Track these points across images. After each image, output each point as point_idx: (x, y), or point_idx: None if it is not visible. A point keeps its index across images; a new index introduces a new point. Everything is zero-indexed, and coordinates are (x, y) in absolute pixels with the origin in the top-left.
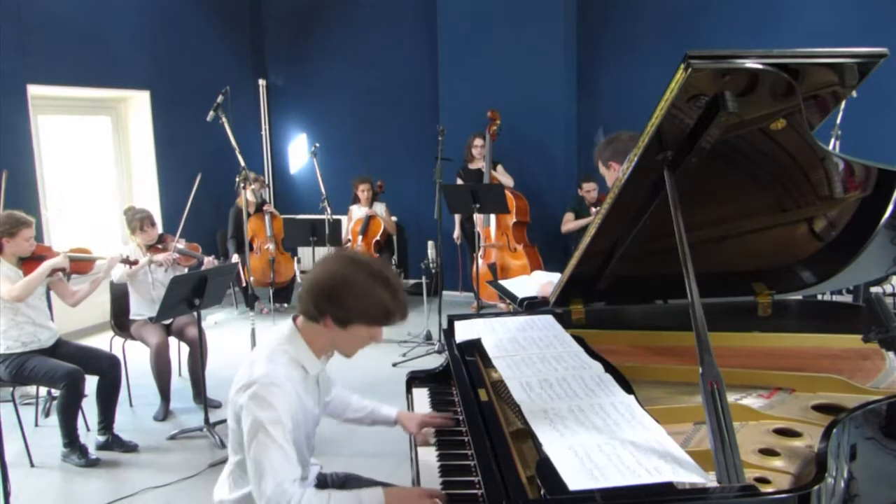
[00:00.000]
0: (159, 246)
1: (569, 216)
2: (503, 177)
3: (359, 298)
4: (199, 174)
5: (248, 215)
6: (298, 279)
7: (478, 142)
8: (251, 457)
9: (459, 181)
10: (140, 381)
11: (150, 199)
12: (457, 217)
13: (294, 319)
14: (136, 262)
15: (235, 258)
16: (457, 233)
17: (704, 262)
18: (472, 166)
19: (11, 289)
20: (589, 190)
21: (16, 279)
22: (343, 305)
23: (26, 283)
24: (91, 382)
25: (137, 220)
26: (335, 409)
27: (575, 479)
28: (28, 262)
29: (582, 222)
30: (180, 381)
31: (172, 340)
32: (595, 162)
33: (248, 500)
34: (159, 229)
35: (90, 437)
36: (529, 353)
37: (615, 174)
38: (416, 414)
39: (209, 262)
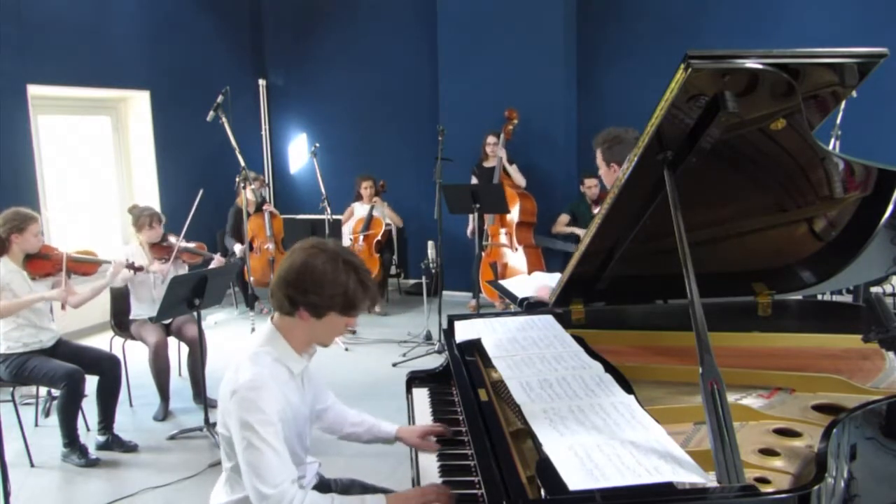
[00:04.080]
0: (164, 244)
1: (563, 218)
2: (516, 175)
3: (327, 286)
4: (200, 190)
5: (249, 215)
6: None
7: (490, 139)
8: (245, 461)
9: (474, 179)
10: (140, 381)
11: (150, 200)
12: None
13: (272, 319)
14: (140, 269)
15: (239, 248)
16: (471, 227)
17: (704, 262)
18: (486, 164)
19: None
20: (590, 186)
21: (20, 282)
22: (315, 294)
23: (10, 305)
24: (91, 382)
25: (146, 217)
26: (333, 423)
27: (575, 479)
28: (33, 261)
29: (569, 230)
30: (180, 381)
31: (172, 340)
32: (594, 148)
33: (247, 503)
34: (162, 229)
35: (90, 437)
36: (529, 353)
37: (613, 174)
38: (414, 427)
39: (218, 260)
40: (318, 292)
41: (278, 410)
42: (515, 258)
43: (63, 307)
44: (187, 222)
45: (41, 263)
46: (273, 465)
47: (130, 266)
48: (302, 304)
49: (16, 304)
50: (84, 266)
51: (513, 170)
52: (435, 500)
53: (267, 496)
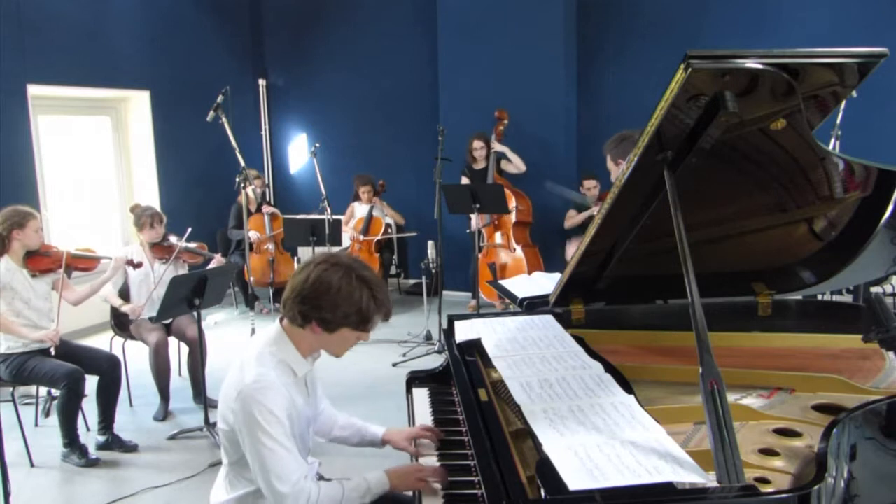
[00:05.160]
0: (164, 244)
1: (571, 212)
2: (516, 160)
3: (341, 303)
4: (189, 228)
5: (250, 213)
6: None
7: (477, 144)
8: (257, 461)
9: (464, 179)
10: (140, 381)
11: (150, 200)
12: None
13: (281, 321)
14: (139, 265)
15: (254, 234)
16: (474, 223)
17: (704, 262)
18: (476, 167)
19: None
20: (590, 188)
21: (21, 280)
22: (328, 311)
23: (5, 325)
24: (91, 382)
25: (147, 217)
26: (322, 427)
27: (575, 479)
28: (33, 258)
29: (584, 215)
30: (180, 381)
31: (172, 340)
32: (604, 154)
33: (247, 500)
34: (164, 229)
35: (90, 437)
36: (529, 353)
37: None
38: (402, 430)
39: (218, 260)
40: (331, 309)
41: (284, 408)
42: (514, 258)
43: (52, 346)
44: (177, 251)
45: (41, 260)
46: (287, 463)
47: (130, 262)
48: (315, 319)
49: (11, 328)
50: (84, 262)
51: (513, 156)
52: (431, 475)
53: (285, 495)
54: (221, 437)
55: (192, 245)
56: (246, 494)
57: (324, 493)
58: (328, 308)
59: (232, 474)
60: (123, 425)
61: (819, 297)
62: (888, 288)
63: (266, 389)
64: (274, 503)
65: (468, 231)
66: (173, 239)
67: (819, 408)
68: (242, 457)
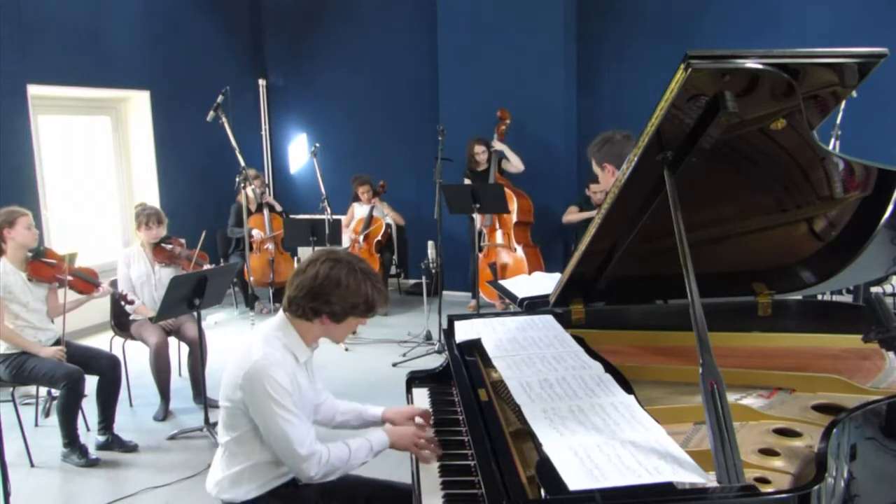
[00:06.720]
0: (166, 246)
1: (573, 208)
2: (515, 159)
3: (348, 296)
4: (203, 232)
5: (250, 213)
6: None
7: (478, 148)
8: (272, 431)
9: (467, 181)
10: (140, 381)
11: (150, 200)
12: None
13: (285, 311)
14: (132, 303)
15: (257, 233)
16: (478, 221)
17: (704, 262)
18: (478, 169)
19: None
20: (595, 191)
21: (20, 283)
22: (337, 304)
23: (7, 334)
24: (91, 382)
25: (144, 216)
26: (325, 415)
27: (575, 479)
28: (35, 262)
29: (584, 215)
30: (180, 381)
31: (172, 340)
32: (588, 159)
33: (242, 475)
34: (164, 231)
35: (90, 437)
36: (529, 353)
37: (608, 175)
38: (400, 409)
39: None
40: (340, 302)
41: (290, 382)
42: (514, 258)
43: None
44: (195, 258)
45: (42, 267)
46: (300, 429)
47: (123, 297)
48: (326, 313)
49: (13, 338)
50: (83, 284)
51: (512, 155)
52: (424, 446)
53: (305, 457)
54: (223, 414)
55: (190, 252)
56: (242, 470)
57: (333, 453)
58: (338, 302)
59: (228, 453)
60: (123, 425)
61: (819, 297)
62: (888, 288)
63: (273, 365)
64: (292, 466)
65: (477, 228)
66: (177, 244)
67: (819, 408)
68: (244, 432)
